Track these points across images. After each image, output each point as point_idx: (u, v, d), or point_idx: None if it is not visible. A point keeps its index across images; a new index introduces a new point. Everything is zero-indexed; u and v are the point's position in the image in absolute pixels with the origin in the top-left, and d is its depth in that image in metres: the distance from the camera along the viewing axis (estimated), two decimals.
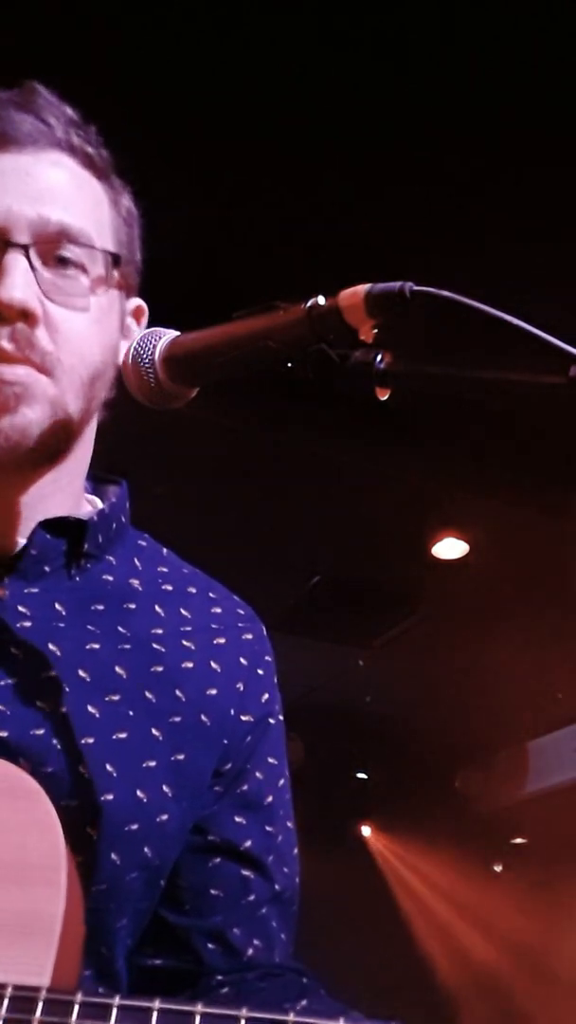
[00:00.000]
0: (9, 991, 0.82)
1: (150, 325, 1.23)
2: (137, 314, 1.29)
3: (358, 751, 8.31)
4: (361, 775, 8.58)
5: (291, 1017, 0.78)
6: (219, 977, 1.17)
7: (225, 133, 3.15)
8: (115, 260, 1.18)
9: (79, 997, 0.81)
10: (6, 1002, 0.82)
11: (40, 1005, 0.81)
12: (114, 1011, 0.80)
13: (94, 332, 1.16)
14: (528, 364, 0.88)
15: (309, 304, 0.99)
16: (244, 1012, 0.79)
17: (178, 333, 1.10)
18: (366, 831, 9.02)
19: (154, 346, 1.09)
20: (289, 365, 1.00)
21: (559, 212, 3.36)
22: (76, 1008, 0.80)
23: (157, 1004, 0.80)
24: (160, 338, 1.10)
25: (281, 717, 1.31)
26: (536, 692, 6.63)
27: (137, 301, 1.28)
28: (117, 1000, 0.81)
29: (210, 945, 1.17)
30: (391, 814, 8.50)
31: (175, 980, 1.17)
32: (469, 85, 2.99)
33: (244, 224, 3.47)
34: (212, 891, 1.18)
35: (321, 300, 0.99)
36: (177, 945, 1.17)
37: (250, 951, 1.19)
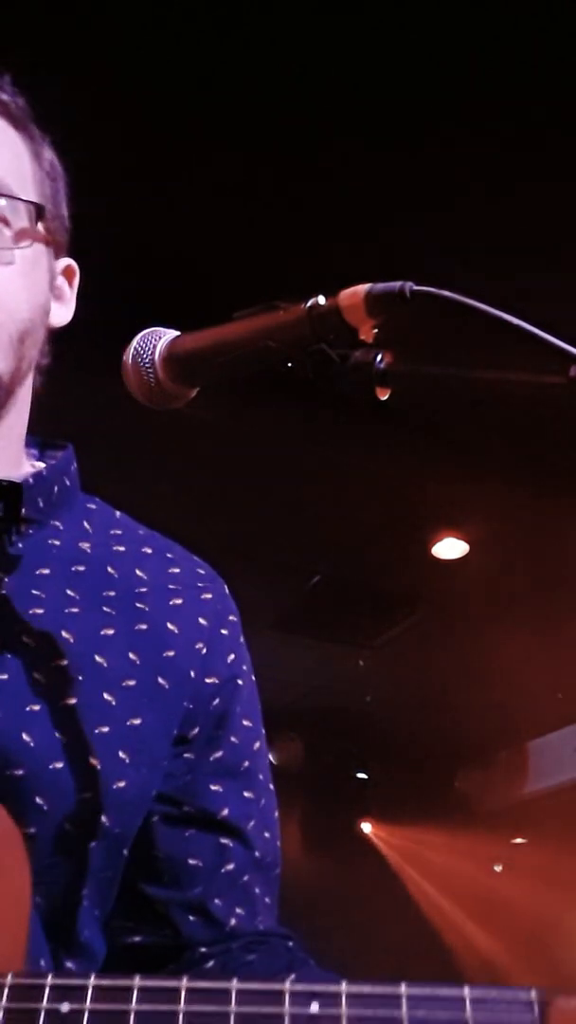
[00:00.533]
0: None
1: (148, 325, 1.22)
2: (68, 274, 1.26)
3: (358, 751, 8.31)
4: (361, 775, 8.58)
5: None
6: (202, 950, 1.14)
7: (225, 133, 3.15)
8: (39, 212, 1.14)
9: (9, 979, 0.76)
10: None
11: (5, 992, 0.77)
12: (45, 990, 0.76)
13: (20, 287, 1.13)
14: (528, 364, 0.88)
15: (309, 304, 0.99)
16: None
17: (178, 333, 1.10)
18: (366, 830, 9.02)
19: (154, 346, 1.09)
20: (289, 365, 1.00)
21: (559, 212, 3.36)
22: (6, 991, 0.76)
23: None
24: (160, 338, 1.09)
25: (253, 678, 1.26)
26: (536, 692, 6.62)
27: (67, 261, 1.25)
28: (49, 979, 0.76)
29: (191, 917, 1.15)
30: (391, 814, 8.50)
31: (157, 956, 1.14)
32: (470, 84, 2.99)
33: (244, 224, 3.47)
34: (190, 861, 1.15)
35: (321, 300, 0.99)
36: (157, 919, 1.14)
37: (233, 920, 1.16)
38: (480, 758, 8.43)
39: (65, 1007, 0.74)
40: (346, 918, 7.27)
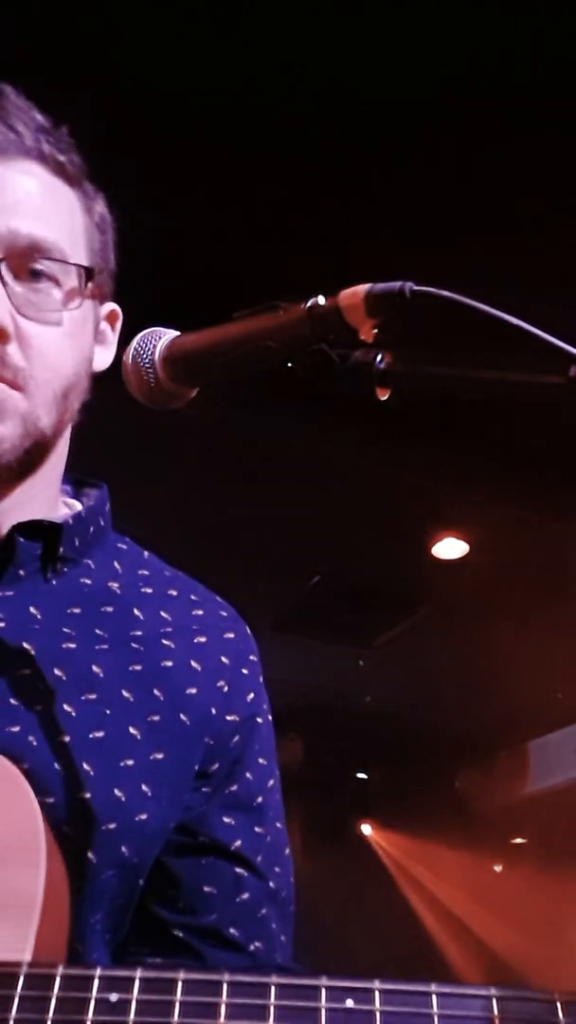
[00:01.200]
0: None
1: (150, 325, 1.22)
2: (111, 319, 1.28)
3: (358, 751, 8.31)
4: (361, 775, 8.58)
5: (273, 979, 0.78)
6: None
7: (224, 133, 3.15)
8: (88, 274, 1.17)
9: (60, 969, 0.81)
10: None
11: (21, 980, 0.81)
12: (95, 981, 0.80)
13: (67, 346, 1.16)
14: (528, 364, 0.88)
15: (309, 304, 0.99)
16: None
17: (178, 333, 1.10)
18: (366, 831, 9.02)
19: (154, 346, 1.09)
20: (289, 365, 1.00)
21: (559, 212, 3.36)
22: (58, 980, 0.80)
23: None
24: (160, 338, 1.09)
25: (270, 717, 1.29)
26: (536, 692, 6.63)
27: (111, 306, 1.28)
28: (98, 971, 0.80)
29: (208, 943, 1.17)
30: (391, 814, 8.51)
31: None
32: (470, 82, 2.99)
33: (244, 224, 3.47)
34: (206, 888, 1.18)
35: (321, 300, 0.99)
36: (175, 944, 1.17)
37: (251, 948, 1.19)
38: (480, 758, 8.44)
39: (114, 997, 0.79)
40: (346, 919, 7.27)
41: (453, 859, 8.44)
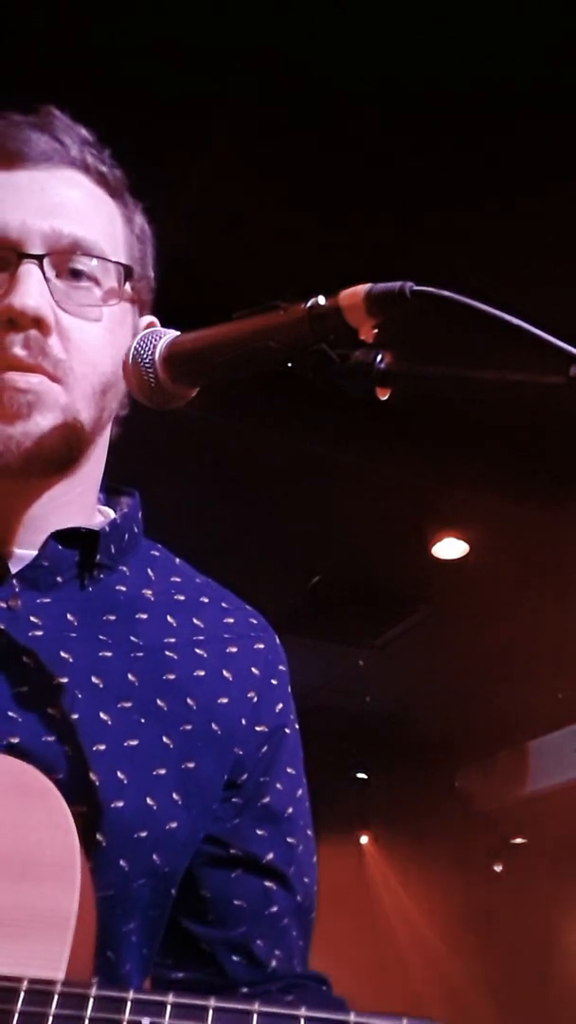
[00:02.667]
0: (25, 984, 0.83)
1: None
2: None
3: (358, 751, 8.31)
4: (361, 775, 8.58)
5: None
6: (243, 990, 1.18)
7: (224, 133, 3.15)
8: (127, 273, 1.20)
9: (94, 991, 0.82)
10: (22, 995, 0.82)
11: (55, 999, 0.82)
12: (128, 1004, 0.81)
13: (106, 343, 1.17)
14: (528, 364, 0.88)
15: (309, 304, 0.99)
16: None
17: (178, 333, 1.10)
18: (366, 833, 9.02)
19: (154, 346, 1.09)
20: (289, 365, 1.00)
21: (560, 211, 3.36)
22: (91, 1001, 0.81)
23: (171, 999, 0.81)
24: (160, 338, 1.10)
25: (297, 727, 1.30)
26: (536, 692, 6.63)
27: (150, 318, 1.29)
28: (131, 994, 0.81)
29: (234, 957, 1.18)
30: (391, 814, 8.51)
31: (200, 993, 1.17)
32: (470, 80, 2.99)
33: (244, 223, 3.48)
34: (235, 902, 1.19)
35: (321, 300, 0.98)
36: (200, 957, 1.18)
37: (273, 962, 1.20)
38: (480, 758, 8.44)
39: (145, 1021, 0.80)
40: (345, 916, 7.27)
41: (453, 859, 8.44)
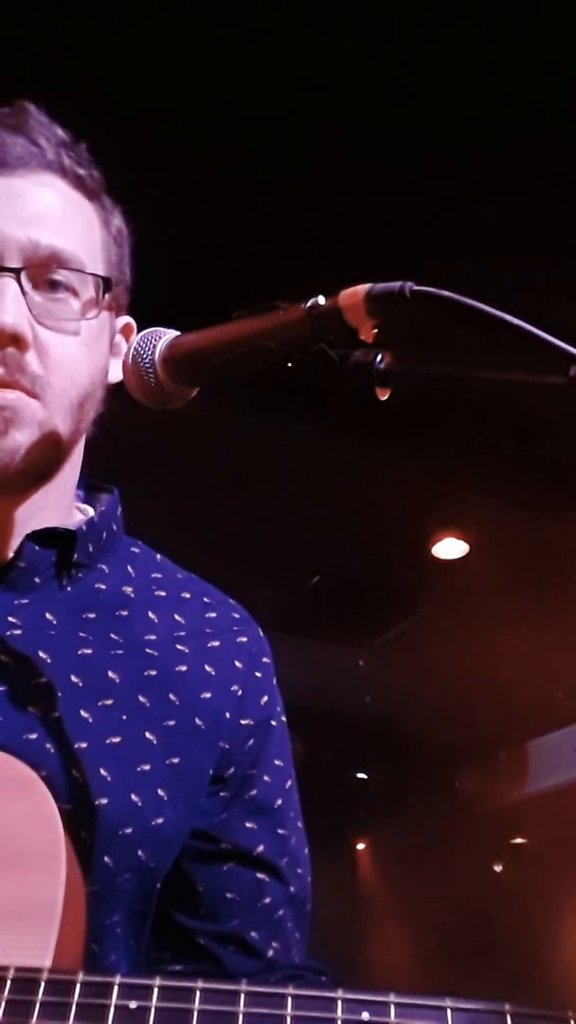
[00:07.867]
0: (11, 973, 0.83)
1: (150, 325, 1.23)
2: (126, 332, 1.30)
3: (358, 751, 8.31)
4: (361, 775, 8.58)
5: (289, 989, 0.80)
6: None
7: (224, 133, 3.15)
8: (106, 285, 1.19)
9: (81, 976, 0.82)
10: (8, 984, 0.83)
11: (42, 986, 0.82)
12: (115, 988, 0.81)
13: (84, 355, 1.17)
14: (528, 364, 0.88)
15: (309, 304, 0.99)
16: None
17: (178, 333, 1.10)
18: (366, 833, 9.02)
19: (154, 346, 1.09)
20: (289, 365, 1.00)
21: (560, 211, 3.36)
22: (78, 987, 0.81)
23: (158, 982, 0.81)
24: (160, 338, 1.10)
25: (284, 719, 1.30)
26: (536, 692, 6.63)
27: (126, 319, 1.29)
28: (118, 978, 0.81)
29: (229, 948, 1.18)
30: (391, 814, 8.50)
31: None
32: (469, 83, 2.99)
33: (244, 224, 3.47)
34: (228, 895, 1.19)
35: (321, 300, 0.99)
36: (196, 950, 1.18)
37: (270, 952, 1.20)
38: (480, 758, 8.44)
39: (133, 1004, 0.80)
40: (346, 915, 7.28)
41: (453, 859, 8.44)
